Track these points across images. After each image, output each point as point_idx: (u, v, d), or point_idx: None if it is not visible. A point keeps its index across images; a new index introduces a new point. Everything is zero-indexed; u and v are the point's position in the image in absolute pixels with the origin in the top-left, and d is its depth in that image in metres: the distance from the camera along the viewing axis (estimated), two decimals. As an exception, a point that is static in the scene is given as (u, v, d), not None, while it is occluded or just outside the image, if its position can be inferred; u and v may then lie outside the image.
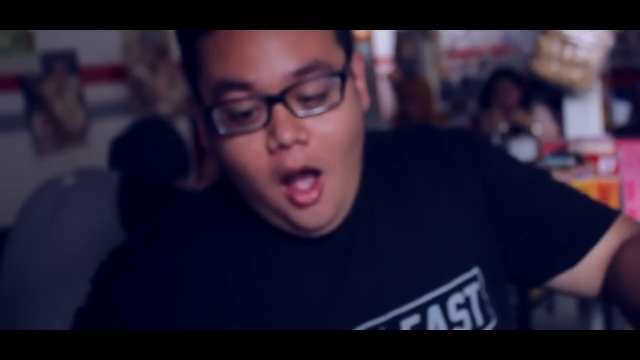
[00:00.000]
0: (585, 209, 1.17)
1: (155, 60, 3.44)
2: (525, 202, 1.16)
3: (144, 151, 2.50)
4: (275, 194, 0.95)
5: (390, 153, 1.16)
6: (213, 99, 0.93)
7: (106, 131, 3.03)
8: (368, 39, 9.76)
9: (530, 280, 1.20)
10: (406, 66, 8.95)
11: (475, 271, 1.11)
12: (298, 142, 0.91)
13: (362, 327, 1.04)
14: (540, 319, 4.15)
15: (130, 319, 1.05)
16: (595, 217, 1.14)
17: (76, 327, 1.08)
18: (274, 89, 0.90)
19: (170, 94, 3.46)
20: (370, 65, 9.62)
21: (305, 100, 0.93)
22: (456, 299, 1.08)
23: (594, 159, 2.16)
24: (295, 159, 0.92)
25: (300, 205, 0.95)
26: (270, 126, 0.91)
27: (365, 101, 1.06)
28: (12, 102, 3.28)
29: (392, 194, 1.12)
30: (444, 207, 1.13)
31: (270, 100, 0.91)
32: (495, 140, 3.89)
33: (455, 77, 8.98)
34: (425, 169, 1.14)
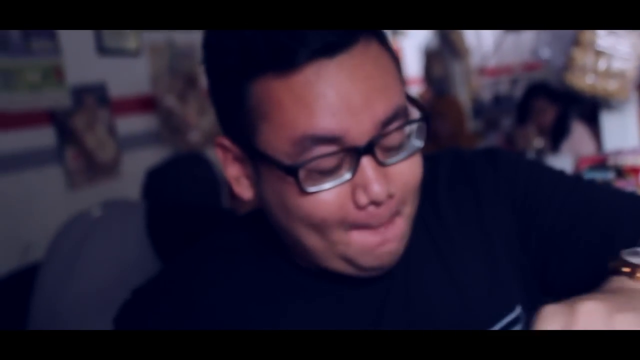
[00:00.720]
0: (619, 212, 1.12)
1: (185, 89, 3.47)
2: (555, 212, 1.11)
3: (180, 184, 2.50)
4: (345, 238, 0.94)
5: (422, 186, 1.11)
6: (295, 153, 0.88)
7: (137, 162, 3.06)
8: (397, 60, 9.83)
9: (569, 295, 1.15)
10: (437, 85, 8.99)
11: (518, 311, 1.09)
12: (389, 196, 0.90)
13: None
14: None
15: None
16: (630, 219, 1.09)
17: None
18: (363, 140, 0.87)
19: (200, 123, 3.47)
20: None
21: (389, 149, 0.91)
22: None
23: (635, 171, 2.13)
24: (386, 214, 0.92)
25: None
26: (356, 179, 0.89)
27: None
28: (45, 137, 3.32)
29: (424, 233, 1.10)
30: (477, 244, 1.10)
31: (359, 152, 0.88)
32: (530, 156, 3.87)
33: (486, 95, 9.05)
34: (455, 203, 1.12)
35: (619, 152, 2.29)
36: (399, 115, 0.91)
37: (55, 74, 3.30)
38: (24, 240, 2.98)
